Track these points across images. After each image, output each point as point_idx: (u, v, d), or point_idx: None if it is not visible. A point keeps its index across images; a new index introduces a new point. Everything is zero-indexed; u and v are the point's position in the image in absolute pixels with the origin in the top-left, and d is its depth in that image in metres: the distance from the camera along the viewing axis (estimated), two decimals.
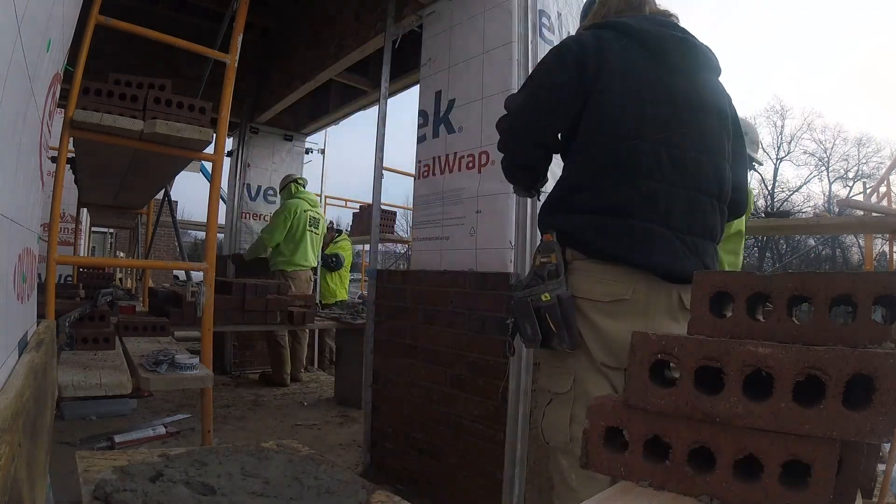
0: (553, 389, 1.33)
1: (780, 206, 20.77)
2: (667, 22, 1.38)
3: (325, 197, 6.47)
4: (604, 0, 1.45)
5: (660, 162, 1.24)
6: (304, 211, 4.51)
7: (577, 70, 1.28)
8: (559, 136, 1.40)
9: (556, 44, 2.50)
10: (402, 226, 12.37)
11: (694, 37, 1.37)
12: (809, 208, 21.29)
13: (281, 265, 4.48)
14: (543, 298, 1.25)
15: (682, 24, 1.42)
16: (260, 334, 4.81)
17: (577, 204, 1.29)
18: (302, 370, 4.75)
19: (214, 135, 2.17)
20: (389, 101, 3.16)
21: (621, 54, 1.27)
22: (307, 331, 4.57)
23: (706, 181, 1.30)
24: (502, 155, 1.47)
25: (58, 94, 1.44)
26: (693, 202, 1.28)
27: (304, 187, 4.73)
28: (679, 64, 1.31)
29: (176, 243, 4.45)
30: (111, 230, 10.42)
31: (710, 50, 1.40)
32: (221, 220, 4.92)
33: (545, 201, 1.39)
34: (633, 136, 1.25)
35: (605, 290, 1.24)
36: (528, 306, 1.28)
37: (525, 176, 1.49)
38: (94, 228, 7.95)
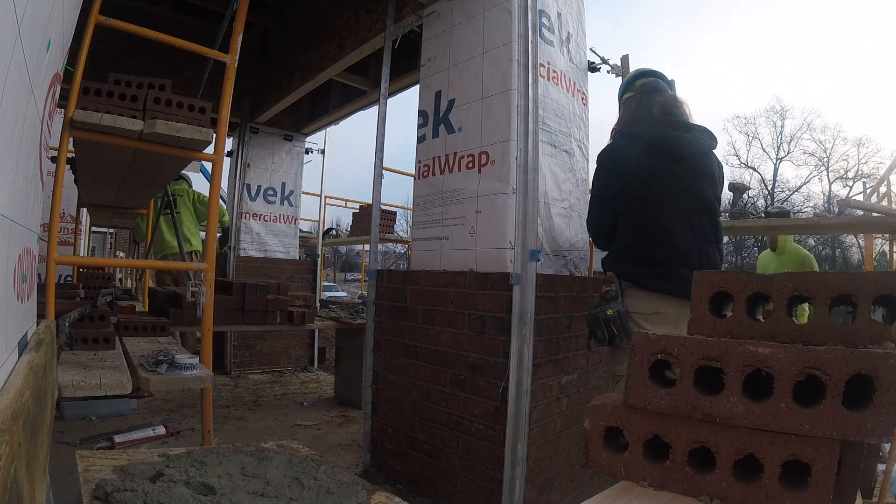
0: (619, 373, 1.94)
1: (780, 206, 20.77)
2: (671, 123, 2.01)
3: (325, 197, 6.46)
4: (626, 107, 2.16)
5: (675, 226, 1.89)
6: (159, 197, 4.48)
7: (611, 177, 1.99)
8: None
9: (556, 45, 2.52)
10: (402, 226, 12.39)
11: (690, 131, 2.01)
12: (809, 208, 21.30)
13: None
14: (608, 313, 1.89)
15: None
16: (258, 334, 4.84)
17: (628, 255, 1.95)
18: None
19: (214, 135, 2.16)
20: (391, 100, 3.16)
21: (633, 153, 1.95)
22: None
23: (706, 234, 1.95)
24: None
25: (58, 94, 1.44)
26: (700, 250, 1.92)
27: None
28: (680, 154, 1.95)
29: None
30: (111, 230, 10.40)
31: (706, 131, 2.05)
32: None
33: (607, 256, 2.06)
34: (657, 207, 1.89)
35: (648, 307, 1.88)
36: (598, 319, 1.91)
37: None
38: (94, 228, 7.94)
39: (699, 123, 2.07)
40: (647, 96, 2.09)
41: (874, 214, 2.81)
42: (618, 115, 2.24)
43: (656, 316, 1.85)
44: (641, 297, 1.89)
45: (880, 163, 20.20)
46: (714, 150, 2.09)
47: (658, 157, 1.93)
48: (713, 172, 2.04)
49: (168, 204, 4.40)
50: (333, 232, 8.57)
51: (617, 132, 2.14)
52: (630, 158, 1.95)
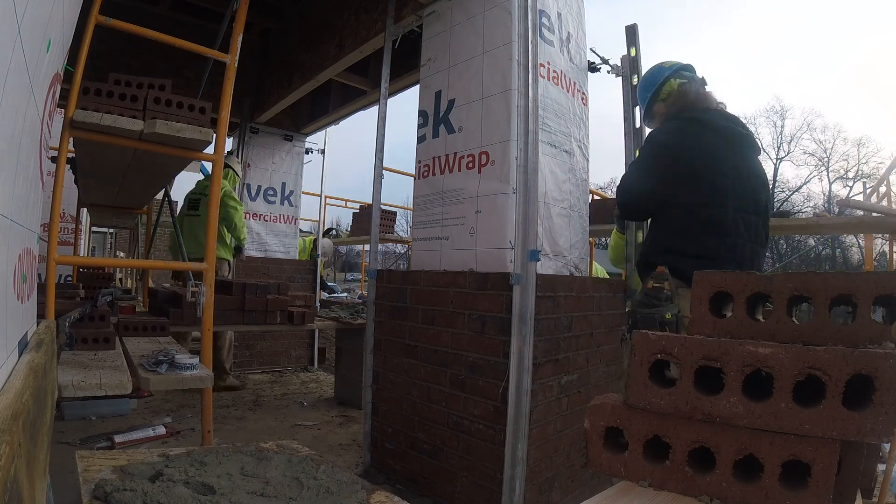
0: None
1: (780, 206, 20.78)
2: (730, 117, 1.97)
3: (325, 197, 6.45)
4: (664, 98, 2.07)
5: (736, 224, 1.83)
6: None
7: (673, 160, 1.87)
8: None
9: (556, 45, 2.51)
10: (402, 226, 12.40)
11: (746, 127, 1.99)
12: (809, 208, 21.31)
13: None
14: (668, 317, 1.78)
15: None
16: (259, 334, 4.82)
17: (683, 249, 1.83)
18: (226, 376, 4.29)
19: (214, 135, 2.16)
20: (391, 100, 3.16)
21: (704, 141, 1.86)
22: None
23: (759, 236, 1.90)
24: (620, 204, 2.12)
25: (58, 94, 1.44)
26: (753, 251, 1.88)
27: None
28: (740, 149, 1.91)
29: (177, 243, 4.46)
30: (111, 230, 10.41)
31: (753, 135, 2.02)
32: None
33: (653, 244, 1.96)
34: (717, 203, 1.81)
35: None
36: (654, 321, 1.78)
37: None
38: (94, 228, 7.94)
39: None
40: (703, 87, 2.02)
41: (874, 214, 2.81)
42: (660, 100, 2.10)
43: None
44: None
45: (880, 163, 20.24)
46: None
47: (728, 149, 1.88)
48: (765, 176, 2.02)
49: (193, 205, 4.38)
50: (333, 232, 8.57)
51: (672, 115, 2.02)
52: (701, 142, 1.87)
